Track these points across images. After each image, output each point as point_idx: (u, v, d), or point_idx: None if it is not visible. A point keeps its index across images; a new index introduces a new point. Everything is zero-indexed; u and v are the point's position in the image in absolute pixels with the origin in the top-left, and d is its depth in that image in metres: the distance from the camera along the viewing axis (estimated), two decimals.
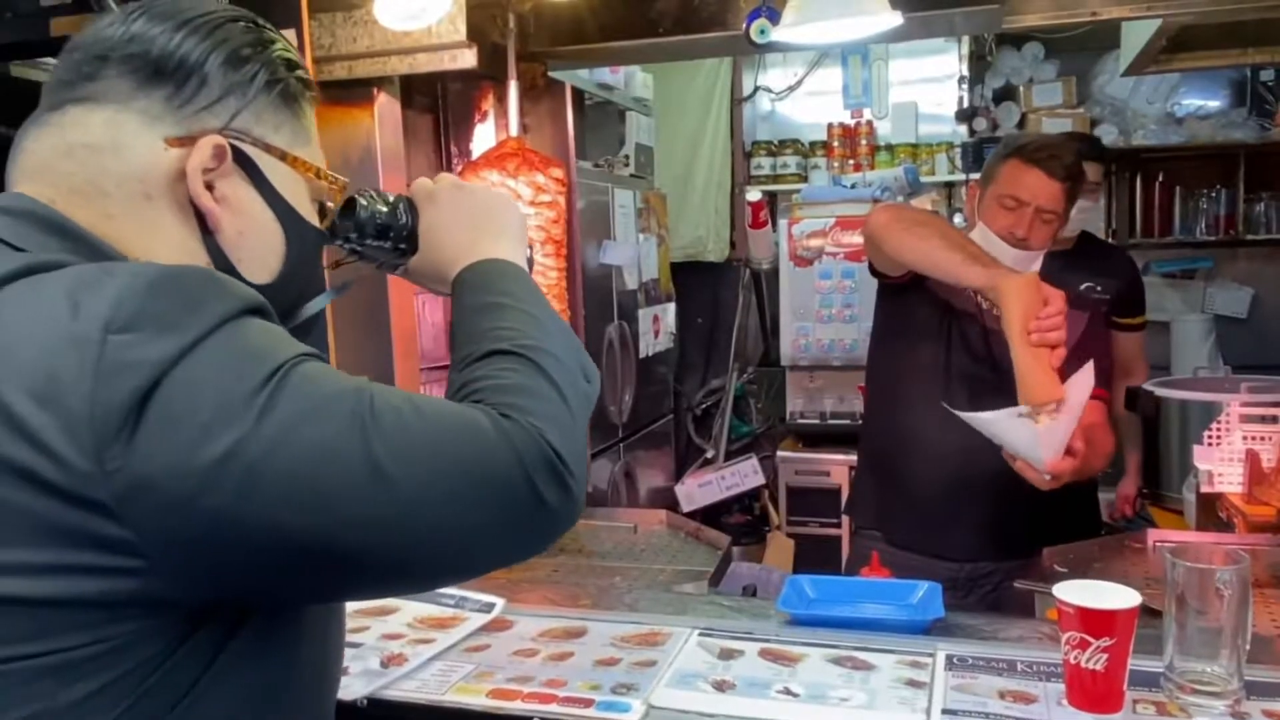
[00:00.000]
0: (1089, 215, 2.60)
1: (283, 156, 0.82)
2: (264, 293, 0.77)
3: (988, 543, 1.92)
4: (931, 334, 1.95)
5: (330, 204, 0.89)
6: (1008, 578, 1.92)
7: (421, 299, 2.33)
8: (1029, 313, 1.67)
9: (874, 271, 2.04)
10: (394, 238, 0.96)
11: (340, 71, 2.01)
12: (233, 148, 0.78)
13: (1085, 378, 1.67)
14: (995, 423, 1.67)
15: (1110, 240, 4.37)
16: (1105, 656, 1.08)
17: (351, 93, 2.03)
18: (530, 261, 0.96)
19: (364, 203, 0.94)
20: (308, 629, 0.76)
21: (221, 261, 0.79)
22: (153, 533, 0.61)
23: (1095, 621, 1.08)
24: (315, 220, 0.86)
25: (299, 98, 0.83)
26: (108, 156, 0.75)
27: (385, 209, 0.95)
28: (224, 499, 0.61)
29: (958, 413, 1.68)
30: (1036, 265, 1.88)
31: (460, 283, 0.89)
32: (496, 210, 0.97)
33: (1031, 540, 1.87)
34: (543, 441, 0.70)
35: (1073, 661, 1.10)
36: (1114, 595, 1.11)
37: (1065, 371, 1.83)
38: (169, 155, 0.76)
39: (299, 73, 0.83)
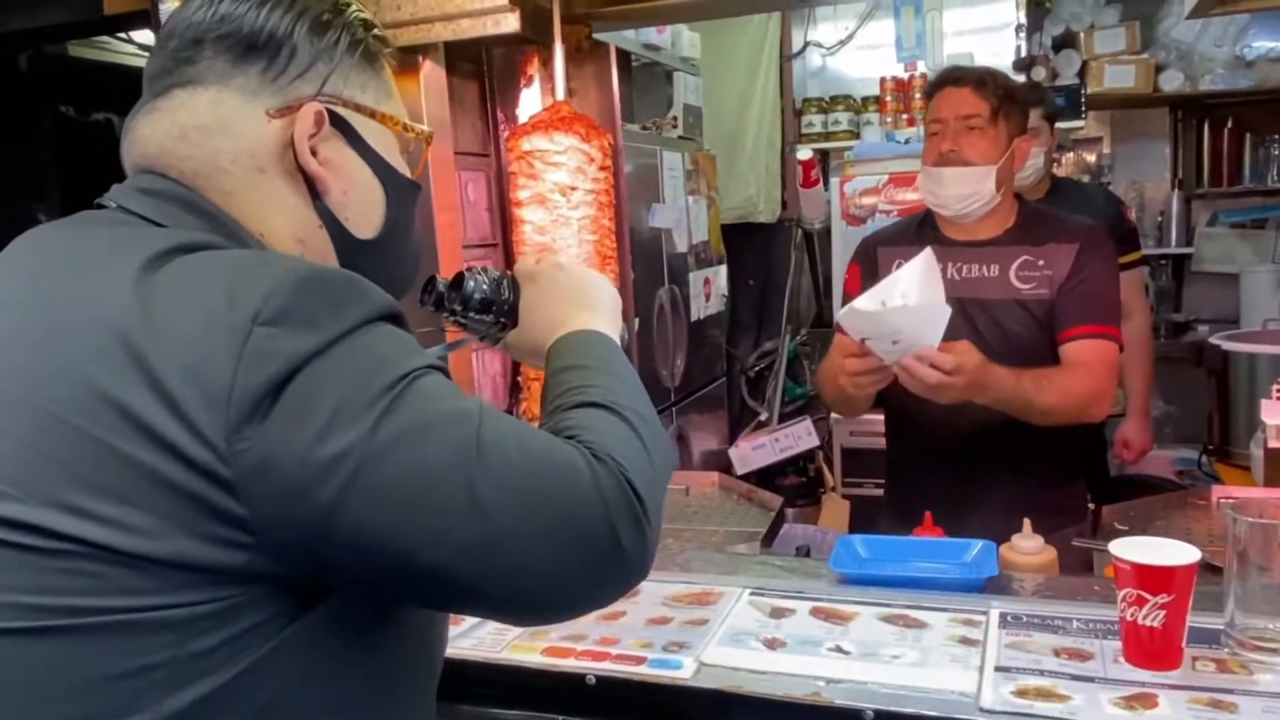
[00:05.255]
0: (1039, 162, 2.47)
1: (372, 114, 0.86)
2: (372, 247, 0.85)
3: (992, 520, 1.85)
4: None
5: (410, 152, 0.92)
6: None
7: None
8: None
9: None
10: (495, 312, 1.02)
11: None
12: (329, 112, 0.82)
13: (923, 259, 1.66)
14: (897, 313, 1.60)
15: (1177, 191, 4.24)
16: (1163, 613, 1.06)
17: (397, 61, 2.03)
18: (624, 338, 1.00)
19: (471, 281, 1.01)
20: (413, 616, 0.79)
21: (332, 222, 0.83)
22: (265, 513, 0.65)
23: (1152, 578, 1.07)
24: (407, 171, 0.90)
25: (378, 55, 0.88)
26: (218, 136, 0.79)
27: (489, 286, 1.02)
28: (331, 492, 0.65)
29: (846, 308, 1.67)
30: (990, 183, 1.79)
31: (553, 350, 0.93)
32: (591, 288, 1.01)
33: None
34: (626, 483, 0.72)
35: (1129, 618, 1.09)
36: (1171, 551, 1.09)
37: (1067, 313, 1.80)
38: (272, 127, 0.80)
39: (375, 31, 0.87)
